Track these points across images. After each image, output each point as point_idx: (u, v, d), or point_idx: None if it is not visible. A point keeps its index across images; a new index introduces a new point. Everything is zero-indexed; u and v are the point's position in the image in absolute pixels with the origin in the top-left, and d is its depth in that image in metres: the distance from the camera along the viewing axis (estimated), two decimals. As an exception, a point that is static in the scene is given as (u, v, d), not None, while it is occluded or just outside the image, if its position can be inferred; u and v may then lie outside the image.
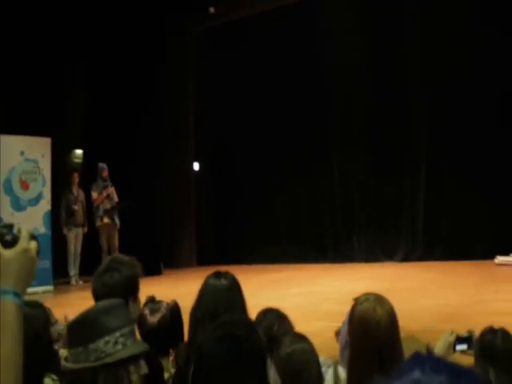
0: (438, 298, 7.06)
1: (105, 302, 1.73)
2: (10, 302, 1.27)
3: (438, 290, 7.81)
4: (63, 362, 1.66)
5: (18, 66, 10.85)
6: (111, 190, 10.94)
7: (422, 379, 0.76)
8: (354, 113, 11.86)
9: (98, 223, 10.92)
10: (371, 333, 2.15)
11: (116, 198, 11.00)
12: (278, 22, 12.07)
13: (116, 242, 10.84)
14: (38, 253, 1.38)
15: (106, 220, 10.86)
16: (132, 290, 2.39)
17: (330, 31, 11.58)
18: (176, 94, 13.11)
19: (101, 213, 10.87)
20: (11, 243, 1.33)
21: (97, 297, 2.27)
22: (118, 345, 1.60)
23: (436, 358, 0.80)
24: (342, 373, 2.38)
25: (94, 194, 10.92)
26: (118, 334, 1.61)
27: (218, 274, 2.53)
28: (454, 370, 0.77)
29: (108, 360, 1.57)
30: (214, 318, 1.98)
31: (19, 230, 1.37)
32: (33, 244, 1.36)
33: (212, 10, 11.93)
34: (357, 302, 2.26)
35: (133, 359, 1.62)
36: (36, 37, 11.02)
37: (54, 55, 11.60)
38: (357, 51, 11.60)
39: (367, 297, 2.26)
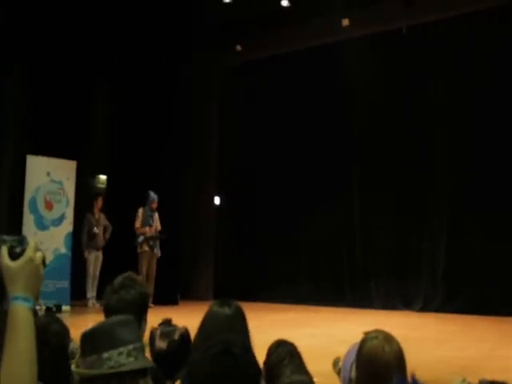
0: (453, 350, 6.89)
1: (119, 317, 1.76)
2: (20, 307, 1.42)
3: (454, 342, 7.63)
4: (75, 369, 1.68)
5: (48, 90, 11.13)
6: (156, 224, 11.31)
7: None
8: (378, 154, 11.82)
9: (139, 249, 11.20)
10: (380, 373, 2.11)
11: (159, 227, 11.36)
12: (301, 61, 12.34)
13: (153, 271, 11.17)
14: (44, 263, 1.50)
15: (144, 248, 11.09)
16: (144, 309, 2.40)
17: (354, 72, 11.63)
18: (199, 128, 13.36)
19: (140, 240, 11.15)
20: (19, 255, 1.46)
21: (110, 311, 2.27)
22: (130, 357, 1.63)
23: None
24: None
25: (137, 223, 11.22)
26: (131, 346, 1.64)
27: (222, 302, 2.53)
28: None
29: (123, 369, 1.61)
30: None
31: (27, 243, 1.50)
32: (38, 254, 1.48)
33: (239, 47, 12.33)
34: (366, 337, 2.22)
35: (142, 373, 1.66)
36: (64, 59, 11.29)
37: (83, 81, 11.89)
38: (381, 92, 11.66)
39: (376, 334, 2.22)
